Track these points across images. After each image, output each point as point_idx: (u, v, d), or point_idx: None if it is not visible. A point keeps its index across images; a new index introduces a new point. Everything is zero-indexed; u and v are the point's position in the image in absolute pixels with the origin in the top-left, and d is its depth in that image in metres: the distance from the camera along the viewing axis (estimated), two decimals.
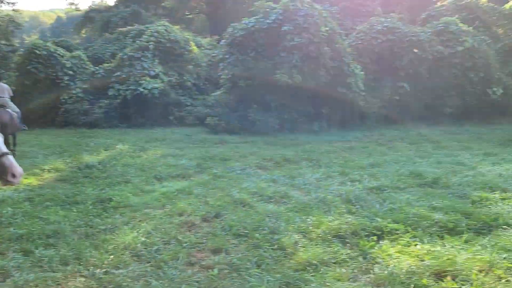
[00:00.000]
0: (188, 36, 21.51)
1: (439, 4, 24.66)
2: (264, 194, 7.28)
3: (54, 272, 4.44)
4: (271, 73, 15.62)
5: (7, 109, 10.55)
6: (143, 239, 5.30)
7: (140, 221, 6.08)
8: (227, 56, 17.23)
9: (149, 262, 4.72)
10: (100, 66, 20.42)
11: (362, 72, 17.02)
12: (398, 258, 4.67)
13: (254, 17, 16.72)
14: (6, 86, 11.46)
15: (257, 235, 5.40)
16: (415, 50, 18.31)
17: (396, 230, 5.40)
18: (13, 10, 31.42)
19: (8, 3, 30.12)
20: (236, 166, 9.79)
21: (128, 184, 8.31)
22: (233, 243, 5.26)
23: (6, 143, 6.01)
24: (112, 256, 4.79)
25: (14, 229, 5.60)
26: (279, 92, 15.95)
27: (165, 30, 20.10)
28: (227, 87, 17.34)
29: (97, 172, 9.31)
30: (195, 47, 21.27)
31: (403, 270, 4.35)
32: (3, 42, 28.44)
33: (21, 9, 37.38)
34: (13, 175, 3.19)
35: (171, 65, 19.92)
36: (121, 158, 10.67)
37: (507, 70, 20.87)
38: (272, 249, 5.04)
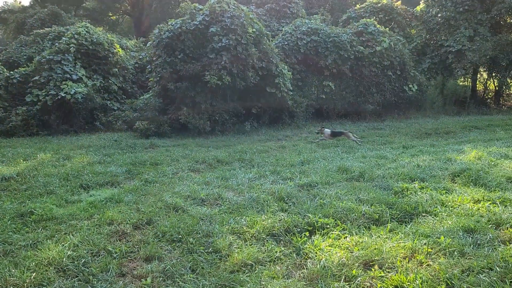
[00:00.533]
0: (112, 38, 20.72)
1: (358, 6, 25.97)
2: (198, 197, 7.23)
3: None
4: (200, 75, 15.53)
5: None
6: (69, 252, 5.01)
7: (65, 233, 5.75)
8: (154, 59, 16.86)
9: (77, 277, 4.48)
10: (15, 70, 19.01)
11: (290, 72, 17.47)
12: (330, 251, 4.85)
13: (181, 19, 16.50)
14: None
15: (191, 239, 5.34)
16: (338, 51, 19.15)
17: (327, 224, 5.61)
18: None
19: None
20: (168, 170, 9.61)
21: (51, 195, 7.82)
22: (167, 250, 5.16)
23: None
24: (34, 274, 4.47)
25: None
26: (209, 94, 15.91)
27: (87, 32, 19.19)
28: (155, 90, 16.96)
29: (15, 184, 8.65)
30: (120, 49, 20.56)
31: (334, 263, 4.53)
32: None
33: None
34: None
35: (95, 68, 19.07)
36: (42, 168, 10.00)
37: (420, 68, 22.58)
38: (206, 252, 5.01)
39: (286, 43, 19.05)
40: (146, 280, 4.39)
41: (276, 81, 16.46)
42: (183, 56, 15.94)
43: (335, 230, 5.45)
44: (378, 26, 20.79)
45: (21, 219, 6.44)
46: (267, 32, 17.60)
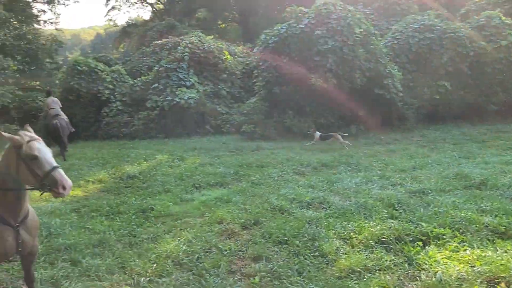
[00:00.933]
0: (222, 46, 21.79)
1: None
2: (303, 200, 7.22)
3: (100, 281, 4.57)
4: (306, 78, 15.54)
5: (61, 116, 12.98)
6: (184, 247, 5.36)
7: (180, 229, 6.17)
8: (260, 63, 17.31)
9: (191, 271, 4.76)
10: (138, 79, 21.02)
11: (400, 73, 16.63)
12: (446, 264, 4.49)
13: (286, 23, 16.72)
14: (56, 99, 13.78)
15: (297, 242, 5.35)
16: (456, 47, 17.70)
17: (443, 235, 5.20)
18: (56, 29, 32.91)
19: (51, 23, 31.60)
20: (274, 172, 9.78)
21: (168, 193, 8.46)
22: (274, 251, 5.23)
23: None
24: (155, 265, 4.87)
25: (62, 239, 5.80)
26: (314, 97, 15.84)
27: (199, 40, 20.47)
28: (262, 94, 17.41)
29: (138, 182, 9.54)
30: (228, 56, 21.52)
31: (453, 277, 4.18)
32: (47, 60, 29.84)
33: (63, 28, 39.11)
34: (64, 187, 3.31)
35: (206, 74, 20.23)
36: (160, 168, 10.89)
37: None
38: (313, 256, 4.97)
39: (396, 42, 18.17)
40: (254, 279, 4.50)
41: (384, 82, 15.79)
42: (288, 60, 16.12)
43: (453, 241, 5.02)
44: (503, 18, 18.77)
45: (143, 214, 7.06)
46: (375, 32, 16.99)
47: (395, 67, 16.64)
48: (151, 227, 6.35)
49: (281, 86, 16.20)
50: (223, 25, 43.56)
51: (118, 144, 16.83)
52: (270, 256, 5.07)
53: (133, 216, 6.93)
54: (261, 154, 12.71)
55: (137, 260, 5.04)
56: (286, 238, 5.48)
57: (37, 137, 3.47)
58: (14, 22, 19.56)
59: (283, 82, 16.26)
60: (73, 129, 13.75)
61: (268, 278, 4.53)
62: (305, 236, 5.52)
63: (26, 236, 3.66)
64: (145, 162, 11.83)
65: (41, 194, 3.54)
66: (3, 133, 3.36)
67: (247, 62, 21.69)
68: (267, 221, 6.25)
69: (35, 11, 28.67)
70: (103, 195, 8.63)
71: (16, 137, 3.39)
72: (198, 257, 5.10)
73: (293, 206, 6.95)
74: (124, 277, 4.66)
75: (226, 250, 5.27)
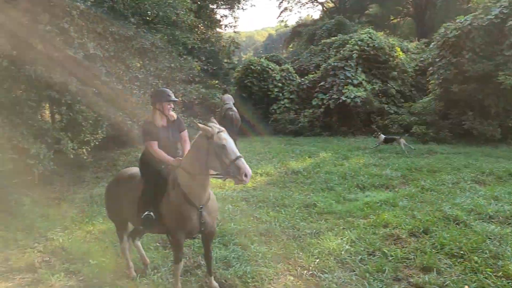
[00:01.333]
0: (393, 42, 20.80)
1: None
2: (483, 212, 6.41)
3: (266, 267, 4.84)
4: (492, 75, 13.73)
5: (234, 110, 13.90)
6: (347, 247, 5.30)
7: (343, 228, 6.11)
8: (437, 60, 15.95)
9: (354, 271, 4.68)
10: (305, 77, 21.56)
11: None
12: None
13: (471, 14, 15.01)
14: (230, 96, 14.83)
15: (475, 257, 4.77)
16: None
17: None
18: (234, 32, 35.96)
19: (231, 26, 34.60)
20: (448, 179, 8.92)
21: (331, 191, 8.48)
22: (446, 264, 4.78)
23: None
24: (317, 260, 4.93)
25: (234, 224, 6.33)
26: (501, 97, 13.90)
27: (369, 37, 19.90)
28: (436, 93, 16.04)
29: (302, 178, 9.79)
30: (400, 53, 20.42)
31: None
32: (225, 60, 32.88)
33: (240, 30, 42.58)
34: (245, 175, 3.61)
35: (375, 72, 19.58)
36: (324, 166, 10.97)
37: None
38: (495, 276, 4.37)
39: None
40: None
41: None
42: (471, 55, 14.46)
43: None
44: None
45: (306, 209, 7.22)
46: None
47: None
48: (314, 223, 6.44)
49: (460, 85, 14.64)
50: (395, 20, 41.51)
51: (284, 139, 17.58)
52: (442, 268, 4.65)
53: (297, 210, 7.15)
54: (433, 158, 11.74)
55: (300, 253, 5.17)
56: (462, 252, 4.95)
57: (223, 128, 3.84)
58: (201, 27, 22.06)
59: (463, 80, 14.66)
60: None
61: None
62: (486, 253, 4.89)
63: (208, 218, 4.10)
64: (309, 159, 12.08)
65: (224, 180, 3.90)
66: (199, 124, 3.82)
67: (421, 59, 20.23)
68: (438, 230, 5.74)
69: (218, 17, 31.82)
70: (269, 187, 9.10)
71: (208, 128, 3.80)
72: (361, 258, 4.99)
73: (470, 217, 6.23)
74: (288, 267, 4.84)
75: (391, 256, 5.02)
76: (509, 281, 4.26)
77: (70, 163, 12.11)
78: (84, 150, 10.40)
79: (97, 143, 11.20)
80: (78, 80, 9.56)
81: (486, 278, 4.33)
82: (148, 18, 14.00)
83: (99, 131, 10.89)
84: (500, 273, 4.41)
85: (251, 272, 4.68)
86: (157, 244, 5.90)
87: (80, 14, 9.81)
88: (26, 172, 9.52)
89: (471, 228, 5.78)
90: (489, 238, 5.32)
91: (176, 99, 4.39)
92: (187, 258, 5.21)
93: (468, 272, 4.51)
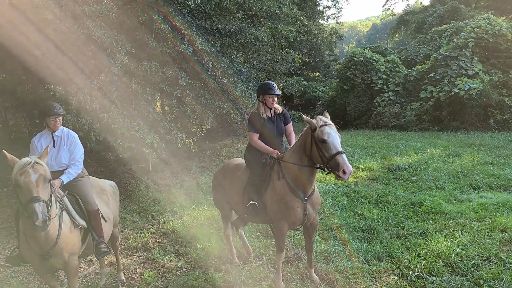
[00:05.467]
0: None
1: None
2: None
3: (368, 265, 4.70)
4: None
5: None
6: (458, 250, 4.91)
7: (454, 230, 5.67)
8: None
9: (466, 276, 4.33)
10: (413, 68, 20.37)
11: None
12: None
13: None
14: None
15: None
16: None
17: None
18: (337, 23, 35.24)
19: (334, 17, 33.96)
20: None
21: (440, 190, 7.91)
22: None
23: None
24: (424, 261, 4.65)
25: (334, 219, 6.25)
26: None
27: (488, 23, 18.07)
28: None
29: (407, 175, 9.29)
30: None
31: None
32: (327, 52, 32.45)
33: (343, 21, 41.47)
34: (344, 172, 3.52)
35: (494, 62, 17.75)
36: (432, 163, 10.28)
37: None
38: None
39: None
40: None
41: None
42: None
43: None
44: None
45: (412, 207, 6.84)
46: None
47: None
48: (420, 222, 6.08)
49: None
50: None
51: (388, 134, 16.83)
52: None
53: (401, 208, 6.81)
54: None
55: (405, 253, 4.93)
56: None
57: (330, 122, 3.79)
58: (304, 20, 22.02)
59: None
60: None
61: None
62: None
63: (311, 210, 4.11)
64: (415, 155, 11.42)
65: (326, 174, 3.87)
66: (304, 116, 3.83)
67: None
68: None
69: (321, 8, 31.46)
70: (371, 183, 8.81)
71: (313, 120, 3.80)
72: (474, 263, 4.59)
73: None
74: (391, 266, 4.64)
75: (510, 264, 4.54)
76: None
77: (178, 153, 12.98)
78: (191, 140, 11.06)
79: (202, 134, 11.85)
80: (187, 74, 10.18)
81: None
82: (252, 12, 14.35)
83: (205, 123, 11.49)
84: None
85: (352, 268, 4.59)
86: (259, 233, 6.06)
87: (190, 11, 10.39)
88: (141, 159, 10.43)
89: None
90: None
91: (278, 92, 4.44)
92: (288, 249, 5.27)
93: None
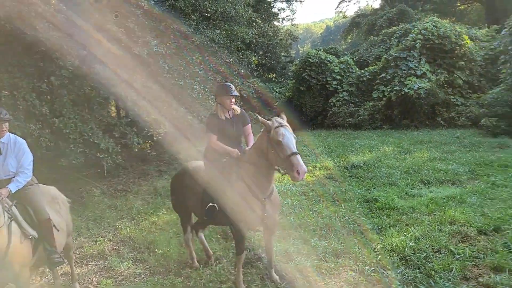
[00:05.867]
0: (460, 30, 19.63)
1: None
2: None
3: (327, 262, 4.81)
4: None
5: None
6: (411, 243, 5.12)
7: (406, 225, 5.91)
8: (510, 47, 14.89)
9: (418, 268, 4.52)
10: (365, 69, 20.99)
11: None
12: None
13: None
14: None
15: None
16: None
17: None
18: (292, 25, 35.74)
19: (288, 19, 34.42)
20: None
21: (393, 186, 8.22)
22: None
23: None
24: (380, 256, 4.81)
25: (293, 218, 6.34)
26: None
27: (434, 26, 18.93)
28: (508, 83, 14.97)
29: (362, 172, 9.58)
30: (468, 41, 19.25)
31: None
32: (283, 54, 32.80)
33: (297, 23, 42.05)
34: (298, 172, 3.58)
35: (440, 62, 18.62)
36: (385, 160, 10.65)
37: None
38: None
39: None
40: None
41: None
42: None
43: None
44: None
45: (367, 204, 7.07)
46: None
47: None
48: (375, 218, 6.30)
49: None
50: (462, 7, 39.19)
51: (343, 133, 17.27)
52: None
53: (357, 205, 7.02)
54: (504, 152, 10.98)
55: (362, 249, 5.08)
56: None
57: (285, 123, 3.85)
58: (259, 22, 22.17)
59: None
60: None
61: None
62: None
63: (270, 210, 4.15)
64: (369, 153, 11.79)
65: (282, 175, 3.92)
66: (260, 117, 3.87)
67: (492, 47, 18.95)
68: (511, 229, 5.38)
69: (275, 10, 31.79)
70: (328, 182, 9.00)
71: (269, 122, 3.84)
72: (426, 256, 4.81)
73: None
74: (349, 263, 4.77)
75: (459, 254, 4.79)
76: None
77: (135, 157, 12.71)
78: (148, 144, 10.87)
79: (159, 137, 11.66)
80: (142, 77, 9.99)
81: None
82: (207, 14, 14.29)
83: (162, 126, 11.31)
84: None
85: (312, 266, 4.68)
86: (219, 236, 6.04)
87: (144, 13, 10.21)
88: (95, 165, 10.13)
89: None
90: None
91: (236, 93, 4.46)
92: (248, 251, 5.29)
93: None
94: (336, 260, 4.84)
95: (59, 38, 7.53)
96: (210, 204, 4.26)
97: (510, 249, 4.83)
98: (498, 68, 16.53)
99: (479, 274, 4.38)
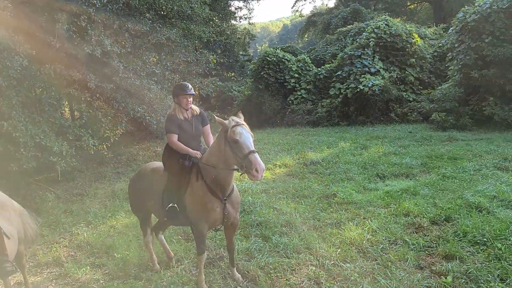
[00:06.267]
0: (411, 28, 20.42)
1: None
2: (507, 199, 6.30)
3: (288, 258, 4.87)
4: None
5: None
6: (368, 236, 5.29)
7: (364, 218, 6.09)
8: (456, 45, 15.64)
9: (376, 260, 4.67)
10: (322, 67, 21.39)
11: None
12: None
13: None
14: None
15: (499, 245, 4.70)
16: None
17: None
18: (249, 23, 35.83)
19: (246, 18, 34.49)
20: (469, 166, 8.77)
21: (351, 181, 8.44)
22: (469, 251, 4.73)
23: None
24: (339, 250, 4.93)
25: (254, 216, 6.37)
26: None
27: (386, 24, 19.59)
28: (456, 79, 15.73)
29: (321, 169, 9.76)
30: (418, 39, 20.05)
31: None
32: (241, 53, 32.85)
33: (255, 22, 42.30)
34: (256, 170, 3.60)
35: (392, 60, 19.29)
36: (342, 156, 10.91)
37: None
38: None
39: None
40: (446, 278, 4.15)
41: None
42: (491, 39, 14.13)
43: None
44: None
45: (326, 199, 7.22)
46: None
47: None
48: (335, 213, 6.44)
49: (480, 70, 14.33)
50: (412, 6, 40.73)
51: (302, 131, 17.50)
52: (465, 256, 4.60)
53: (317, 201, 7.15)
54: (453, 145, 11.55)
55: (322, 243, 5.19)
56: (485, 239, 4.88)
57: (242, 122, 3.85)
58: (216, 20, 22.05)
59: (484, 65, 14.35)
60: None
61: (463, 280, 4.12)
62: (510, 240, 4.81)
63: (231, 209, 4.16)
64: (327, 149, 12.03)
65: (241, 174, 3.93)
66: (216, 117, 3.86)
67: (440, 45, 19.84)
68: (461, 218, 5.67)
69: (232, 9, 31.78)
70: (288, 179, 9.11)
71: (225, 121, 3.84)
72: (382, 247, 4.98)
73: (493, 204, 6.12)
74: (309, 258, 4.85)
75: (413, 244, 4.99)
76: None
77: (91, 160, 12.34)
78: (105, 146, 10.58)
79: (116, 139, 11.38)
80: (97, 77, 9.70)
81: (510, 265, 4.27)
82: (163, 12, 14.05)
83: (119, 127, 11.05)
84: None
85: (273, 263, 4.72)
86: (179, 237, 5.99)
87: (97, 11, 9.91)
88: (49, 169, 9.75)
89: (494, 215, 5.69)
90: None
91: (193, 92, 4.43)
92: (210, 250, 5.28)
93: (491, 259, 4.45)
94: (297, 256, 4.91)
95: (4, 37, 7.17)
96: (171, 204, 4.21)
97: (460, 237, 5.08)
98: (446, 65, 17.31)
99: (432, 262, 4.58)
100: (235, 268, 4.56)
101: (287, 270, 4.58)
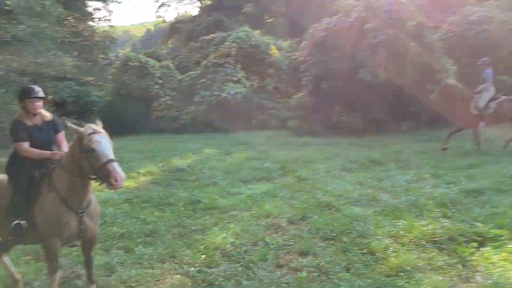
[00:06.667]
0: (269, 40, 21.79)
1: None
2: (351, 197, 7.11)
3: (153, 269, 4.74)
4: (354, 73, 15.22)
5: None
6: (232, 240, 5.44)
7: (228, 222, 6.25)
8: (308, 58, 17.15)
9: (239, 263, 4.83)
10: (186, 74, 21.44)
11: (455, 67, 15.88)
12: (504, 266, 4.28)
13: (336, 16, 16.44)
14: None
15: (345, 238, 5.28)
16: None
17: (500, 236, 4.95)
18: (109, 26, 34.08)
19: (105, 20, 32.75)
20: (321, 168, 9.68)
21: (215, 186, 8.59)
22: (321, 246, 5.20)
23: None
24: (204, 256, 4.98)
25: (116, 228, 6.06)
26: (363, 92, 15.48)
27: (247, 35, 20.56)
28: (308, 89, 17.25)
29: (186, 175, 9.75)
30: (275, 51, 21.49)
31: (510, 280, 3.98)
32: (101, 56, 31.04)
33: (115, 24, 40.38)
34: (115, 179, 3.45)
35: (253, 69, 20.30)
36: (208, 162, 11.07)
37: None
38: (361, 253, 4.88)
39: (451, 35, 17.36)
40: (301, 273, 4.50)
41: (438, 77, 15.15)
42: (337, 54, 15.86)
43: (511, 243, 4.78)
44: None
45: (192, 206, 7.22)
46: (429, 25, 16.32)
47: (450, 61, 15.91)
48: (200, 219, 6.48)
49: (329, 81, 15.97)
50: (270, 20, 43.41)
51: (167, 137, 17.28)
52: (317, 251, 5.03)
53: (182, 208, 7.10)
54: (307, 149, 12.62)
55: (187, 251, 5.18)
56: (333, 234, 5.43)
57: (100, 130, 3.64)
58: (71, 20, 20.52)
59: (331, 77, 16.02)
60: None
61: (316, 273, 4.51)
62: (353, 233, 5.43)
63: (89, 222, 3.88)
64: (193, 156, 12.08)
65: (99, 184, 3.71)
66: (70, 124, 3.58)
67: (294, 57, 21.54)
68: (314, 216, 6.21)
69: (90, 9, 29.88)
70: (153, 187, 8.89)
71: (80, 129, 3.59)
72: (245, 250, 5.16)
73: (340, 202, 6.85)
74: (174, 266, 4.80)
75: (273, 244, 5.29)
76: (373, 256, 4.79)
77: None
78: None
79: None
80: None
81: (354, 256, 4.81)
82: (7, 8, 12.56)
83: None
84: (366, 250, 4.94)
85: (136, 275, 4.55)
86: (28, 257, 5.37)
87: None
88: None
89: (341, 212, 6.36)
90: (356, 220, 5.89)
91: (40, 95, 4.04)
92: (64, 269, 4.84)
93: (339, 252, 4.96)
94: (161, 266, 4.81)
95: None
96: (16, 221, 3.76)
97: (314, 234, 5.57)
98: (300, 76, 18.87)
99: (290, 260, 4.92)
100: (94, 285, 4.26)
101: (151, 281, 4.46)
